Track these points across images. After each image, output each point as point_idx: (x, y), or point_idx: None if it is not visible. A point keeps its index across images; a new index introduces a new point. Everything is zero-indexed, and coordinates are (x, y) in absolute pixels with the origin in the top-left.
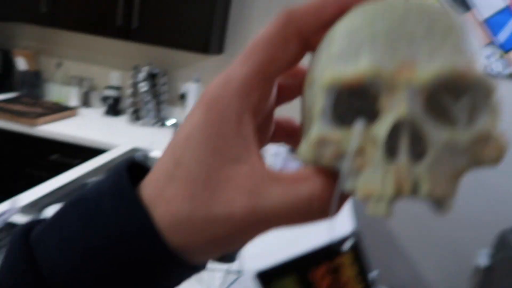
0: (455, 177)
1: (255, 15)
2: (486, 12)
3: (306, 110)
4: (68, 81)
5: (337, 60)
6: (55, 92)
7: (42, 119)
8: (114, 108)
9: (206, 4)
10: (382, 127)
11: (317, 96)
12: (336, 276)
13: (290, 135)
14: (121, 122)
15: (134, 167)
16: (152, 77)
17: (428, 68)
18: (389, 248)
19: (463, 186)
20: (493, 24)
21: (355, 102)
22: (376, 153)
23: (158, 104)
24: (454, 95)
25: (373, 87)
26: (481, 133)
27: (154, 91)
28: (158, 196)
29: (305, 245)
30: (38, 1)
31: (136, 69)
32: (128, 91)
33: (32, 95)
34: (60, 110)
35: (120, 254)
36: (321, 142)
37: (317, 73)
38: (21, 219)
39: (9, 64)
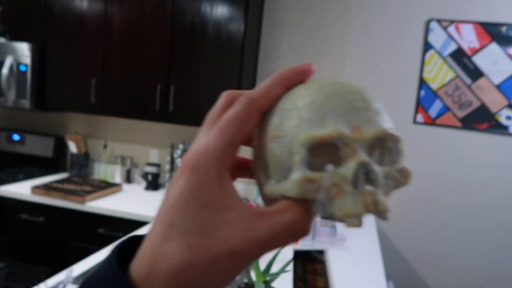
0: (388, 196)
1: None
2: (496, 79)
3: (270, 157)
4: (113, 160)
5: (309, 125)
6: (102, 171)
7: (90, 196)
8: (154, 183)
9: (234, 82)
10: (349, 169)
11: (295, 149)
12: (314, 278)
13: (243, 171)
14: (160, 196)
15: (134, 241)
16: None
17: (370, 130)
18: (406, 262)
19: None
20: (505, 88)
21: (320, 153)
22: (346, 186)
23: None
24: (383, 144)
25: (336, 142)
26: (401, 167)
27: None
28: (157, 258)
29: None
30: (89, 94)
31: (173, 146)
32: (166, 166)
33: (81, 174)
34: (106, 187)
35: None
36: (305, 181)
37: (289, 133)
38: None
39: (62, 148)
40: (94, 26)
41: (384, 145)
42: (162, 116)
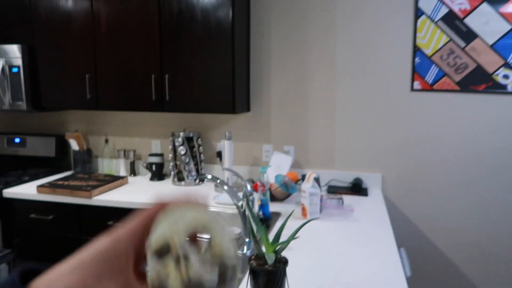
0: (208, 271)
1: (272, 74)
2: (490, 39)
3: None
4: (116, 155)
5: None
6: (106, 166)
7: (97, 190)
8: (158, 173)
9: (227, 69)
10: (171, 264)
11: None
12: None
13: None
14: (166, 185)
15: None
16: (188, 141)
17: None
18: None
19: None
20: (500, 47)
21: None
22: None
23: (197, 164)
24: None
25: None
26: (211, 243)
27: (192, 152)
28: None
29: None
30: (84, 90)
31: (174, 135)
32: (169, 155)
33: (85, 171)
34: (111, 180)
35: None
36: (157, 273)
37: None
38: None
39: (64, 147)
40: (81, 23)
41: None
42: (159, 106)
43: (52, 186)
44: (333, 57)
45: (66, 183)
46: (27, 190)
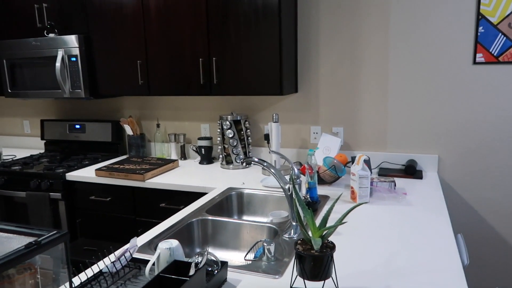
0: None
1: (321, 52)
2: None
3: None
4: (167, 139)
5: None
6: (158, 149)
7: (149, 173)
8: (207, 156)
9: (274, 51)
10: None
11: None
12: None
13: None
14: (215, 168)
15: None
16: (236, 124)
17: None
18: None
19: None
20: None
21: None
22: None
23: (245, 147)
24: None
25: None
26: None
27: (240, 135)
28: None
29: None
30: (136, 77)
31: (222, 118)
32: (218, 139)
33: (139, 154)
34: (163, 164)
35: None
36: None
37: None
38: (140, 255)
39: (119, 132)
40: (132, 10)
41: None
42: (207, 90)
43: (109, 169)
44: (386, 31)
45: (121, 166)
46: (87, 173)
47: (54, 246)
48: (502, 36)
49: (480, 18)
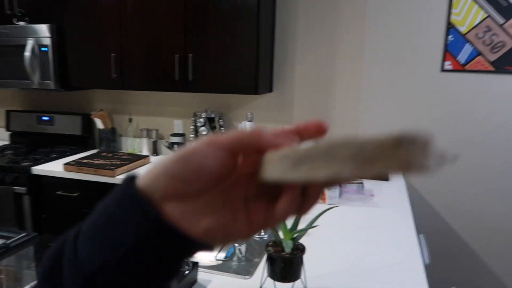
0: None
1: (297, 53)
2: None
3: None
4: (139, 134)
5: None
6: (129, 144)
7: (120, 169)
8: None
9: (251, 50)
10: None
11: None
12: None
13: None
14: None
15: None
16: (210, 121)
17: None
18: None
19: None
20: None
21: None
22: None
23: None
24: None
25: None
26: None
27: (214, 133)
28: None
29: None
30: (109, 70)
31: (196, 116)
32: (191, 136)
33: (110, 149)
34: (134, 159)
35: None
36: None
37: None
38: None
39: (89, 125)
40: (109, 3)
41: None
42: (182, 86)
43: (78, 164)
44: (362, 35)
45: (91, 161)
46: (55, 168)
47: (23, 249)
48: (470, 45)
49: (450, 26)
